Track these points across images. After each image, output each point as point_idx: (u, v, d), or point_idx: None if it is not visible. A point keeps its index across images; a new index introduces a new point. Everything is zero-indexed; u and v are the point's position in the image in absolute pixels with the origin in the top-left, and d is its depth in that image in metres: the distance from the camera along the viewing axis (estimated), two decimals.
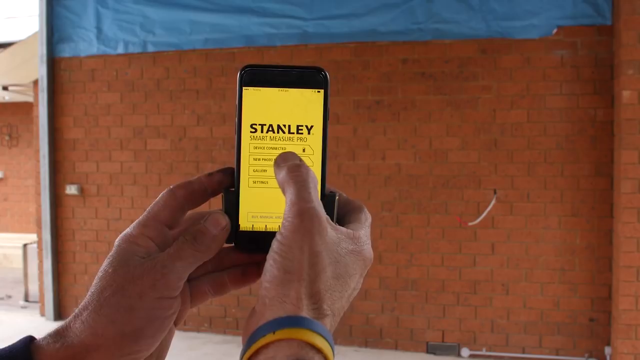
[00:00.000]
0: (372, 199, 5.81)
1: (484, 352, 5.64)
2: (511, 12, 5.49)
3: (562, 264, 5.46)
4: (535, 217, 5.49)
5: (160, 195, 0.60)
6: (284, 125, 0.61)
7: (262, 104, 0.61)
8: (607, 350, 5.33)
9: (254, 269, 0.63)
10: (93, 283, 0.57)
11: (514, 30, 5.49)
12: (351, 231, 0.58)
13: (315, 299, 0.53)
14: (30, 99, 9.14)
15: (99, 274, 0.57)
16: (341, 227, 0.57)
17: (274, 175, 0.59)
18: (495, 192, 5.55)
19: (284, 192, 0.56)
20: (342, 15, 5.85)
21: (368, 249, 0.59)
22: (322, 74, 0.62)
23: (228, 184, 0.62)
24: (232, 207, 0.61)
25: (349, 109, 5.85)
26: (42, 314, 6.85)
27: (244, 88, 0.61)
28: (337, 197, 0.62)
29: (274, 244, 0.55)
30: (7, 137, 12.02)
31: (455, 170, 5.64)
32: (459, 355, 5.68)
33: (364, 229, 0.59)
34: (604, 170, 5.34)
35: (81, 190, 6.56)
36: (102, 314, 0.55)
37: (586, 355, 5.43)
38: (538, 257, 5.50)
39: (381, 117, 5.79)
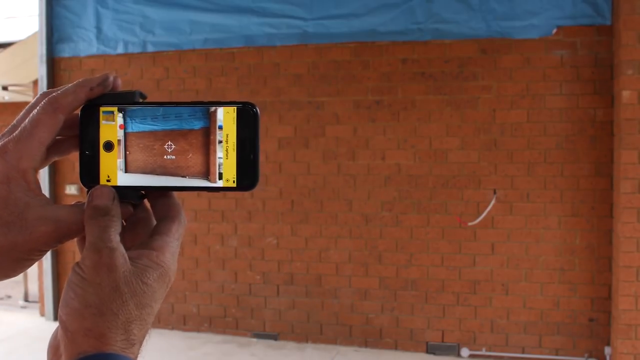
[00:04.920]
0: (372, 199, 5.81)
1: (483, 352, 5.64)
2: (511, 12, 5.49)
3: (562, 264, 5.46)
4: (535, 217, 5.49)
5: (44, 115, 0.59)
6: None
7: None
8: (607, 350, 5.33)
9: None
10: None
11: (513, 30, 5.49)
12: (155, 254, 0.58)
13: (122, 331, 0.54)
14: (30, 99, 9.14)
15: None
16: (145, 255, 0.58)
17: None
18: (495, 192, 5.55)
19: (86, 231, 0.57)
20: (341, 15, 5.85)
21: (173, 268, 0.60)
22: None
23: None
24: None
25: (348, 109, 5.85)
26: (42, 314, 6.85)
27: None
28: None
29: (74, 277, 0.56)
30: None
31: (455, 170, 5.64)
32: (458, 355, 5.68)
33: (171, 244, 0.60)
34: (604, 170, 5.34)
35: (81, 190, 6.56)
36: None
37: (586, 355, 5.43)
38: (538, 257, 5.50)
39: (381, 117, 5.79)
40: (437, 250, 5.70)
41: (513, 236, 5.54)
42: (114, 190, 0.59)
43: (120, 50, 6.43)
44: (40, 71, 6.59)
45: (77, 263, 0.56)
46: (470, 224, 5.59)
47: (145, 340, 0.58)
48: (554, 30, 5.41)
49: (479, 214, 5.57)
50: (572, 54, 5.39)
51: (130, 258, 0.57)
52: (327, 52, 5.92)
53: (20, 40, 7.69)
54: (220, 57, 6.19)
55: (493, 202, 5.54)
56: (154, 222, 0.62)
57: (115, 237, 0.57)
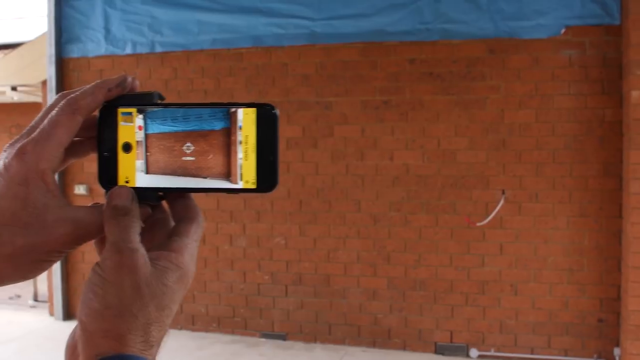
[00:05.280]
0: (381, 199, 5.81)
1: (492, 353, 5.63)
2: (519, 12, 5.47)
3: (570, 264, 5.44)
4: (544, 218, 5.47)
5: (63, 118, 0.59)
6: None
7: None
8: (616, 351, 5.31)
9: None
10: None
11: (522, 30, 5.47)
12: (173, 255, 0.58)
13: (141, 333, 0.54)
14: (39, 99, 9.17)
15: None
16: (163, 256, 0.57)
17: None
18: (503, 193, 5.53)
19: (106, 231, 0.57)
20: (349, 15, 5.85)
21: (192, 269, 0.59)
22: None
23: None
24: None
25: (356, 109, 5.85)
26: (51, 314, 6.87)
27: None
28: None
29: (94, 277, 0.55)
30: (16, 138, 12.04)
31: (464, 171, 5.63)
32: (467, 355, 5.67)
33: (190, 246, 0.59)
34: (613, 171, 5.32)
35: (90, 190, 6.58)
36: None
37: (595, 356, 5.41)
38: (546, 257, 5.48)
39: (389, 117, 5.79)
40: (446, 250, 5.69)
41: (522, 236, 5.53)
42: (132, 190, 0.59)
43: (128, 50, 6.45)
44: (49, 71, 6.62)
45: (97, 263, 0.56)
46: (478, 224, 5.58)
47: (163, 341, 0.58)
48: (563, 30, 5.39)
49: (488, 214, 5.56)
50: (580, 53, 5.37)
51: (149, 259, 0.57)
52: (335, 52, 5.92)
53: (29, 41, 7.72)
54: (228, 58, 6.20)
55: (502, 202, 5.52)
56: (172, 224, 0.62)
57: (136, 238, 0.56)
